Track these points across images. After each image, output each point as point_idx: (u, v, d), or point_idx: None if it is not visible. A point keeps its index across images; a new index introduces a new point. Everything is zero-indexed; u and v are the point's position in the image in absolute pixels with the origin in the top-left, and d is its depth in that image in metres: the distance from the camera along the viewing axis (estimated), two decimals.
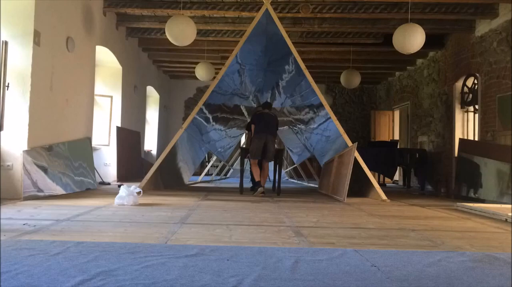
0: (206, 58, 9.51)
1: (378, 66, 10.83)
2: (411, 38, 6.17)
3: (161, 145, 11.85)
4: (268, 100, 9.20)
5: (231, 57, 6.78)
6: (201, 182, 9.70)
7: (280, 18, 6.83)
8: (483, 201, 6.37)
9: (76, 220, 3.50)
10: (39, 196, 4.91)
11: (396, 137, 11.86)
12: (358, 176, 6.77)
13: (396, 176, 10.96)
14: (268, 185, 7.80)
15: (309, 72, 6.78)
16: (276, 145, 7.07)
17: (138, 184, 6.27)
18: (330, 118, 6.94)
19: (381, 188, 6.41)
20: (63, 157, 5.79)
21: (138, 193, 4.68)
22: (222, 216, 4.04)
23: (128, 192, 4.59)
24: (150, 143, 11.89)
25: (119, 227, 3.30)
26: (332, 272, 2.06)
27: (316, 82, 7.09)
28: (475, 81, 7.89)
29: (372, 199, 6.21)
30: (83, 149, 6.54)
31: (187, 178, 9.29)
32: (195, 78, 9.80)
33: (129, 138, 9.00)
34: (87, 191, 6.12)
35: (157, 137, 12.09)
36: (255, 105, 9.70)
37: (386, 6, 6.93)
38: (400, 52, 6.57)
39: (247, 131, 7.84)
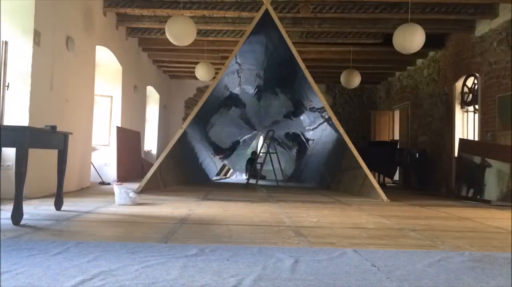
0: (206, 58, 9.50)
1: (378, 66, 10.83)
2: (411, 38, 6.17)
3: (161, 145, 11.85)
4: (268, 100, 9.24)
5: (231, 57, 6.78)
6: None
7: (280, 18, 6.82)
8: (483, 201, 6.37)
9: (76, 220, 3.50)
10: (40, 196, 4.93)
11: (396, 137, 11.86)
12: (358, 176, 6.77)
13: (396, 176, 10.96)
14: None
15: (309, 72, 6.78)
16: None
17: (137, 184, 6.28)
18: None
19: (381, 188, 6.41)
20: None
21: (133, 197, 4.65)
22: (222, 216, 4.04)
23: (121, 194, 4.58)
24: (150, 143, 11.89)
25: (119, 227, 3.30)
26: (332, 272, 2.06)
27: (316, 82, 7.09)
28: (475, 81, 7.89)
29: (372, 199, 6.21)
30: None
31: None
32: (195, 78, 9.80)
33: (129, 138, 9.00)
34: (86, 191, 6.12)
35: (157, 137, 12.09)
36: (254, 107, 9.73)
37: (386, 6, 6.93)
38: (400, 52, 6.57)
39: None
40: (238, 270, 2.03)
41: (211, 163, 10.56)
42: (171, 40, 6.54)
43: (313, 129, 9.37)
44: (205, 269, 2.03)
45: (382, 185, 8.90)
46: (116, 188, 4.70)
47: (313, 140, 9.61)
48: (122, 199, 4.57)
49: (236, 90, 9.06)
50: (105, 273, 1.90)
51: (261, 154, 9.74)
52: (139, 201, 4.68)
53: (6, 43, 4.85)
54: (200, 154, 9.42)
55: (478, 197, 6.64)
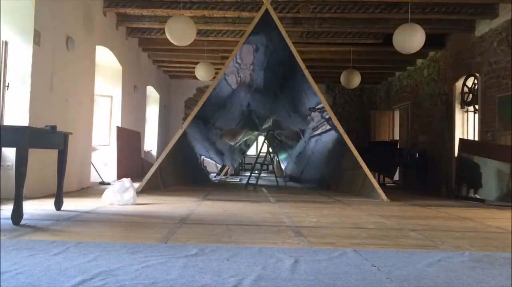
0: (206, 58, 9.51)
1: (378, 66, 10.83)
2: (411, 38, 6.17)
3: (161, 145, 11.86)
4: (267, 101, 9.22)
5: (231, 57, 6.78)
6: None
7: (280, 18, 6.82)
8: (483, 201, 6.37)
9: (76, 220, 3.50)
10: (40, 196, 4.93)
11: (396, 137, 11.86)
12: (357, 176, 6.77)
13: (396, 176, 10.96)
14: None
15: (309, 72, 6.78)
16: None
17: (137, 184, 6.28)
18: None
19: (381, 188, 6.41)
20: None
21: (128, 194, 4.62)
22: (222, 216, 4.04)
23: (115, 195, 4.57)
24: (150, 143, 11.89)
25: (119, 227, 3.30)
26: (332, 272, 2.06)
27: (316, 82, 7.08)
28: (475, 81, 7.89)
29: (372, 199, 6.20)
30: None
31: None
32: (195, 78, 9.80)
33: (129, 138, 9.00)
34: (86, 191, 6.12)
35: (157, 137, 12.09)
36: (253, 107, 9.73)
37: (386, 6, 6.93)
38: (400, 52, 6.57)
39: None
40: (238, 270, 2.03)
41: (211, 163, 10.56)
42: (171, 40, 6.54)
43: (313, 129, 9.36)
44: (205, 269, 2.03)
45: (382, 185, 8.90)
46: (117, 185, 4.66)
47: (314, 139, 9.60)
48: (116, 201, 4.53)
49: (236, 90, 9.05)
50: (105, 273, 1.90)
51: (261, 154, 9.74)
52: (137, 201, 4.67)
53: (6, 43, 4.85)
54: (200, 154, 9.42)
55: (478, 196, 6.65)
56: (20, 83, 4.90)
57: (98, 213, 3.96)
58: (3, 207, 3.95)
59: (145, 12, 7.41)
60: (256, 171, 9.97)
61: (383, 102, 12.95)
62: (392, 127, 12.12)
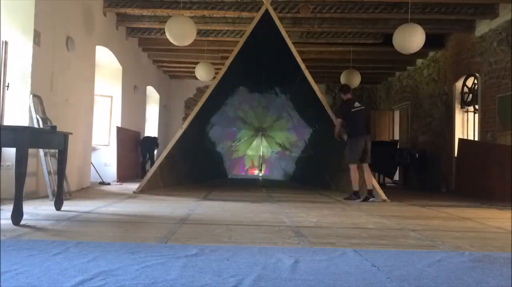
0: (206, 58, 9.50)
1: (378, 66, 10.83)
2: (411, 38, 6.16)
3: (161, 145, 11.85)
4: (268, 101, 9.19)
5: (231, 57, 6.78)
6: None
7: (280, 18, 6.82)
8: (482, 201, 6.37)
9: (76, 220, 3.50)
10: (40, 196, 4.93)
11: (396, 137, 11.85)
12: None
13: (396, 176, 10.95)
14: None
15: (309, 72, 6.78)
16: None
17: (137, 184, 6.29)
18: None
19: (381, 188, 6.41)
20: None
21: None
22: (222, 216, 4.04)
23: None
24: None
25: (119, 227, 3.30)
26: (332, 272, 2.06)
27: (316, 82, 7.08)
28: (475, 81, 7.89)
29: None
30: None
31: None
32: (195, 78, 9.80)
33: (129, 138, 9.00)
34: (86, 191, 6.12)
35: (157, 137, 12.08)
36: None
37: (386, 6, 6.93)
38: (400, 52, 6.57)
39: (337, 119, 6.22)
40: (238, 270, 2.03)
41: (211, 163, 10.56)
42: (171, 40, 6.54)
43: (313, 129, 9.37)
44: (205, 269, 2.03)
45: (382, 185, 8.89)
46: None
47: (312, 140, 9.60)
48: None
49: (236, 91, 9.06)
50: (105, 273, 1.90)
51: (261, 154, 9.75)
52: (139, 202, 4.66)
53: (6, 43, 4.85)
54: (200, 154, 9.41)
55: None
56: (20, 83, 4.90)
57: (98, 213, 3.96)
58: (3, 207, 3.95)
59: (145, 12, 7.41)
60: (256, 171, 9.97)
61: (383, 102, 12.95)
62: (392, 127, 12.11)
